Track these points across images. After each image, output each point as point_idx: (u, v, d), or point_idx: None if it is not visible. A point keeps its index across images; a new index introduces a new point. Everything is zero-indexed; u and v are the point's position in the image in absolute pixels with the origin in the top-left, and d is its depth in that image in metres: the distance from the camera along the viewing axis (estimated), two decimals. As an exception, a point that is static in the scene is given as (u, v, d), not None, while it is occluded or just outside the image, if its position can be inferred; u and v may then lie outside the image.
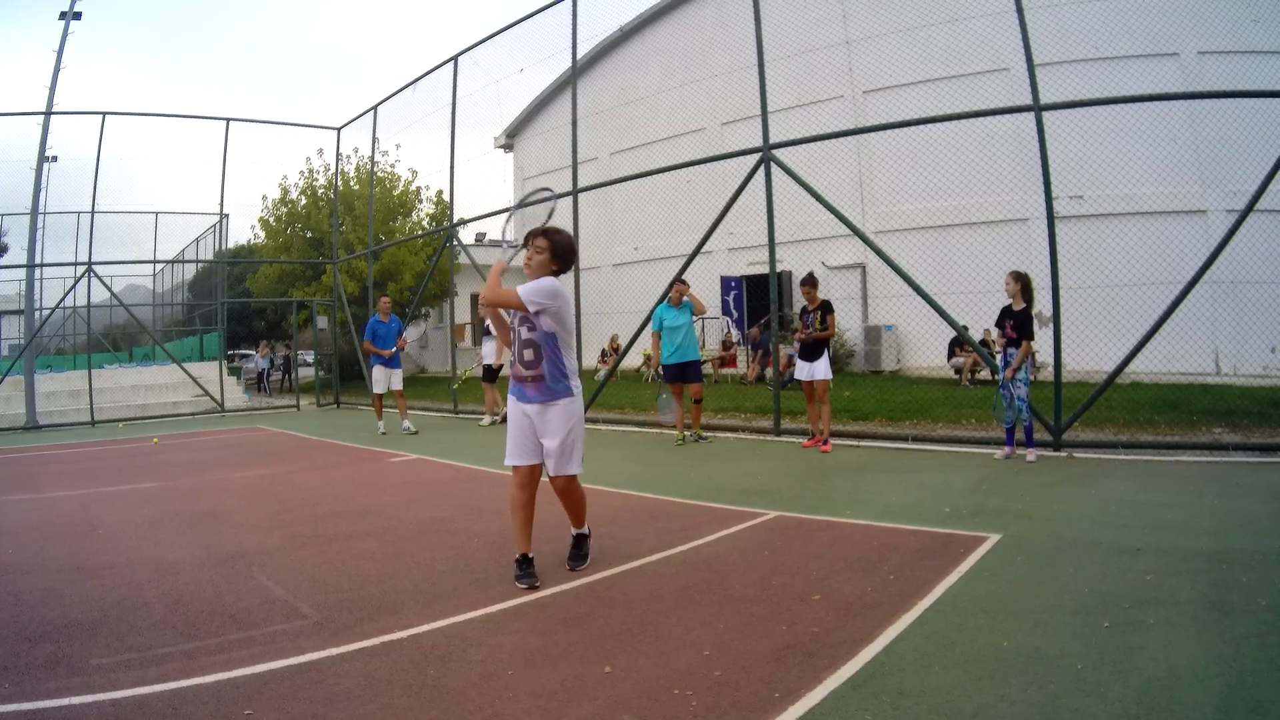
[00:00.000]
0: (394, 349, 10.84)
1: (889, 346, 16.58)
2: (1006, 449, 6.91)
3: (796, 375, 8.10)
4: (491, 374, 11.74)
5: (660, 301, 9.08)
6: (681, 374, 8.69)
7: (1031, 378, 6.93)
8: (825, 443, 7.82)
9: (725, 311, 18.70)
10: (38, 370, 15.98)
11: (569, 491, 3.87)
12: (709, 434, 8.99)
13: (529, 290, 3.69)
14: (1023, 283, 6.83)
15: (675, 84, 20.92)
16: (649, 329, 9.31)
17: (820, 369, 7.79)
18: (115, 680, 2.71)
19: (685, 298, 8.72)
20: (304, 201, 21.46)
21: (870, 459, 7.20)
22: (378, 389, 10.95)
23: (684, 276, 9.38)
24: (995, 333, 7.13)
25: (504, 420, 12.27)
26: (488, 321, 13.78)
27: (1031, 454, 6.73)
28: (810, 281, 7.97)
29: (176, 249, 22.93)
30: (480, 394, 12.73)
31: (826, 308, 7.83)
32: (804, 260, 13.21)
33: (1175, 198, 13.45)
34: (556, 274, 3.81)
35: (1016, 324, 6.79)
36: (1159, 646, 2.71)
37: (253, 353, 25.28)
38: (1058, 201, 7.56)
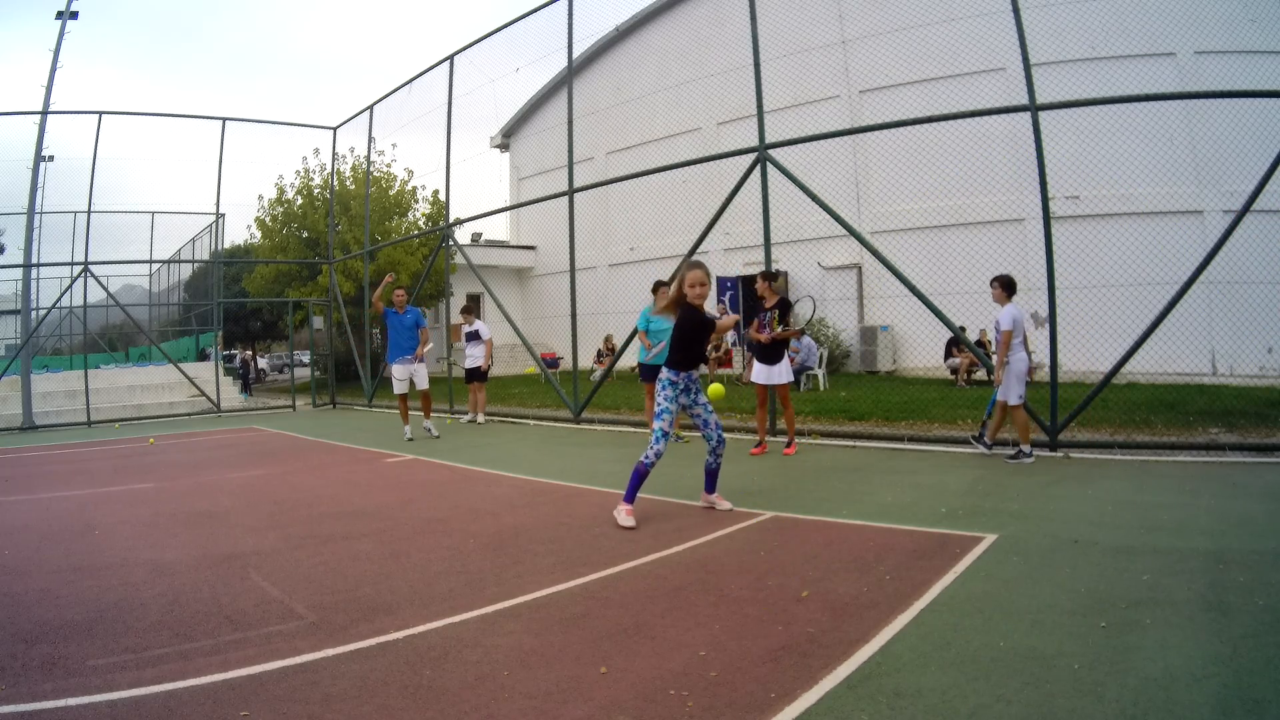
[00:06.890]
0: (416, 347, 9.76)
1: (885, 347, 16.62)
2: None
3: (754, 378, 7.77)
4: (481, 376, 11.96)
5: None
6: (656, 375, 8.77)
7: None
8: (789, 444, 7.72)
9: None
10: (34, 370, 15.94)
11: None
12: (685, 434, 9.00)
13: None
14: (770, 280, 6.28)
15: (671, 83, 20.94)
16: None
17: (778, 373, 7.57)
18: (111, 681, 2.71)
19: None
20: (300, 201, 21.42)
21: (866, 459, 7.20)
22: (399, 389, 9.85)
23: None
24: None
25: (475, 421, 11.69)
26: (473, 327, 13.82)
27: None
28: (769, 276, 7.71)
29: (173, 249, 22.89)
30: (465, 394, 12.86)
31: (783, 305, 7.57)
32: (800, 261, 13.24)
33: (1172, 198, 13.49)
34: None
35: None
36: (1156, 646, 2.71)
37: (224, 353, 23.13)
38: (1054, 202, 7.57)
